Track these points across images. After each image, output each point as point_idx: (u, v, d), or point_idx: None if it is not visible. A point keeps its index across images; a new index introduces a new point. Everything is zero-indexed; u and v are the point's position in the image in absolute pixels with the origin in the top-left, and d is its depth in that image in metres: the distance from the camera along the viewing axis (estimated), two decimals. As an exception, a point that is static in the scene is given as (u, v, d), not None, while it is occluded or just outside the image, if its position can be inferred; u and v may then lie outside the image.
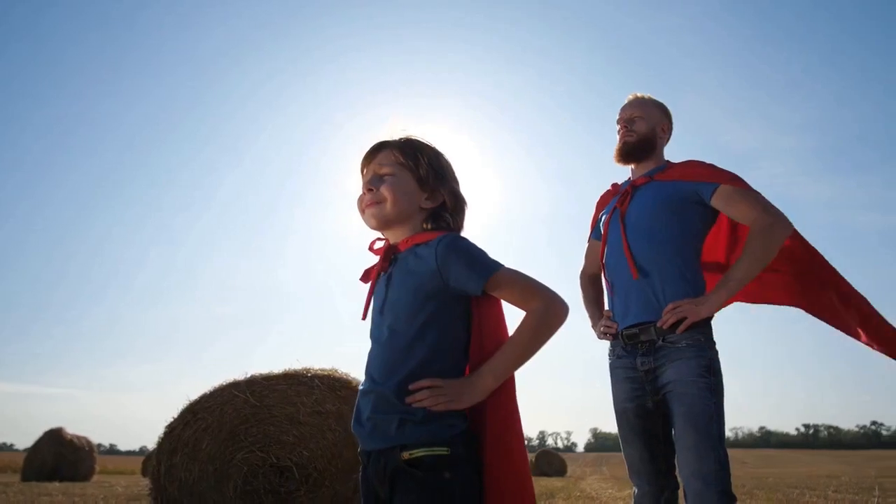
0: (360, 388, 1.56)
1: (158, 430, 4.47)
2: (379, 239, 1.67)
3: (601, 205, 2.83)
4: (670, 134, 2.71)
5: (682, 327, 2.30)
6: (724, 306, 2.39)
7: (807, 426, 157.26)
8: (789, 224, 2.42)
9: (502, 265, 1.51)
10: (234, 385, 4.50)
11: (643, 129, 2.62)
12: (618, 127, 2.68)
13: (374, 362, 1.55)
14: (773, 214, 2.39)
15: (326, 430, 4.39)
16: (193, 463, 4.35)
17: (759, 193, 2.44)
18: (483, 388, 1.48)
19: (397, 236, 1.62)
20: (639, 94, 2.72)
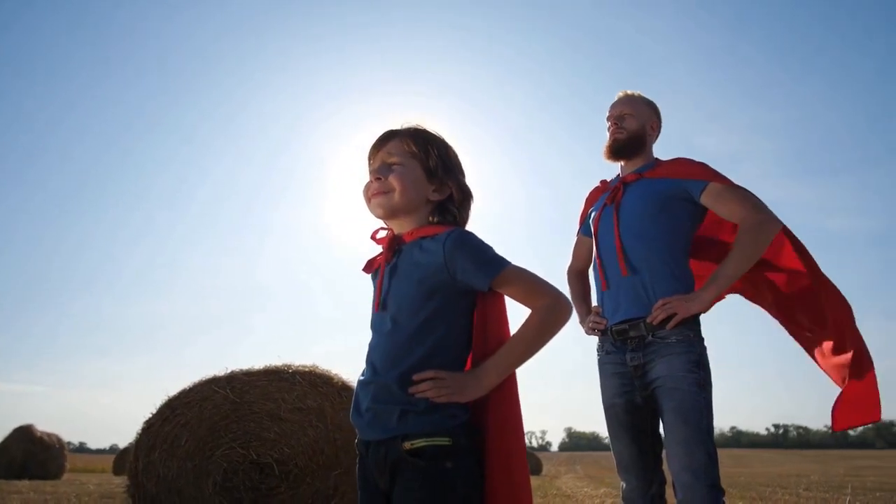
0: (360, 378, 1.55)
1: (132, 429, 4.42)
2: (382, 228, 1.65)
3: (590, 201, 2.84)
4: (659, 131, 2.73)
5: (672, 323, 2.31)
6: (716, 301, 2.41)
7: (777, 426, 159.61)
8: (779, 222, 2.44)
9: (509, 262, 1.51)
10: (214, 381, 4.44)
11: (633, 127, 2.64)
12: (608, 124, 2.69)
13: (376, 353, 1.54)
14: (763, 212, 2.42)
15: (307, 427, 4.35)
16: (172, 459, 4.28)
17: (748, 191, 2.47)
18: (486, 383, 1.48)
19: (403, 227, 1.61)
20: (629, 92, 2.73)
